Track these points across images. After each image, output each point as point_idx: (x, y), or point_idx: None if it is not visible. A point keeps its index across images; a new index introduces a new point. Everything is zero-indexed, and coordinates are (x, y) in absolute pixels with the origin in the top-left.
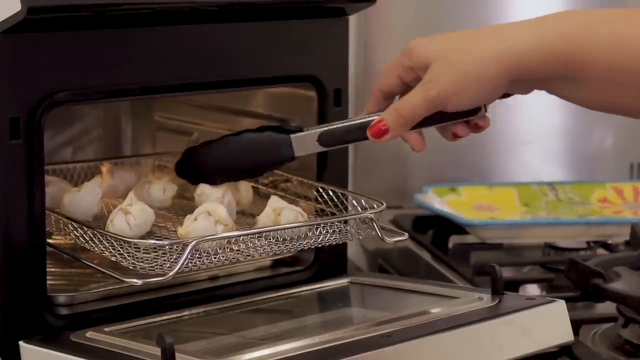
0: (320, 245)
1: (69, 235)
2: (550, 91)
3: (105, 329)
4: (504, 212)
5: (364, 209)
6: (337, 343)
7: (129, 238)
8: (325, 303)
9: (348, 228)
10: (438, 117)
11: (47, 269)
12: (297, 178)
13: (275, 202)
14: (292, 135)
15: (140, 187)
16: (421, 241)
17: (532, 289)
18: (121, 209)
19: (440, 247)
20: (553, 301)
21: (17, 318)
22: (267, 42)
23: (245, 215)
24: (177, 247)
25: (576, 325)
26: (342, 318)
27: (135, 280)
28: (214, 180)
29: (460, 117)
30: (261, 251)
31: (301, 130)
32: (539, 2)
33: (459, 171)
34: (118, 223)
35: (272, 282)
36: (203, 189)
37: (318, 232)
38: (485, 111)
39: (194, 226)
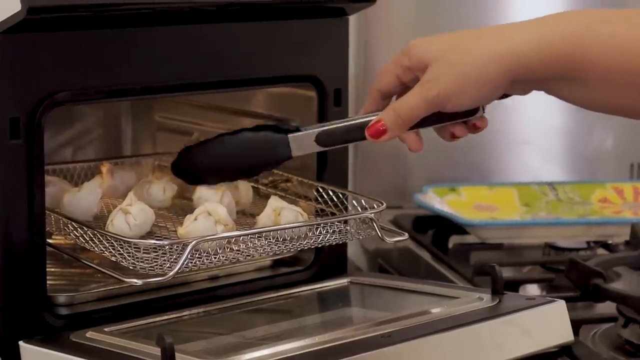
0: (320, 245)
1: (69, 235)
2: (550, 92)
3: (105, 329)
4: (504, 212)
5: (364, 209)
6: (337, 343)
7: (129, 238)
8: (325, 303)
9: (348, 228)
10: (436, 118)
11: (47, 269)
12: (297, 178)
13: (275, 202)
14: (289, 135)
15: (140, 187)
16: (421, 241)
17: (532, 289)
18: (121, 209)
19: (440, 247)
20: (553, 301)
21: (17, 318)
22: (267, 42)
23: (245, 215)
24: (177, 247)
25: (576, 325)
26: (342, 318)
27: (135, 280)
28: (210, 179)
29: (459, 118)
30: (261, 251)
31: (299, 130)
32: (539, 2)
33: (459, 171)
34: (118, 223)
35: (272, 282)
36: (201, 193)
37: (318, 232)
38: (484, 112)
39: (194, 226)
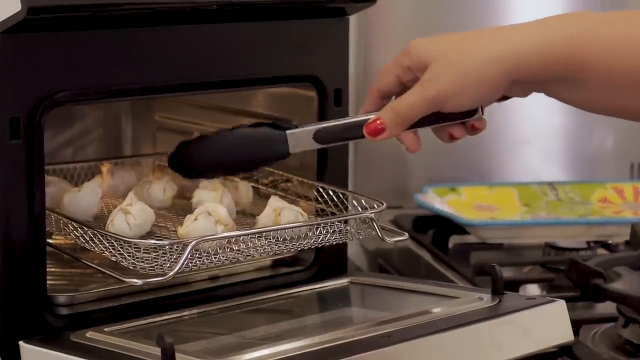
0: (320, 245)
1: (69, 235)
2: (550, 94)
3: (106, 329)
4: (504, 212)
5: (364, 208)
6: (337, 343)
7: (129, 238)
8: (326, 303)
9: (348, 228)
10: (435, 118)
11: (47, 269)
12: (297, 178)
13: (275, 202)
14: (287, 132)
15: (140, 187)
16: (421, 241)
17: (533, 289)
18: (121, 209)
19: (440, 247)
20: (553, 301)
21: (17, 318)
22: (268, 42)
23: (245, 215)
24: (177, 247)
25: (576, 325)
26: (342, 318)
27: (135, 280)
28: (207, 174)
29: (457, 118)
30: (261, 251)
31: (297, 128)
32: (539, 2)
33: (459, 171)
34: (118, 223)
35: (272, 282)
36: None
37: (318, 232)
38: (482, 114)
39: (194, 226)
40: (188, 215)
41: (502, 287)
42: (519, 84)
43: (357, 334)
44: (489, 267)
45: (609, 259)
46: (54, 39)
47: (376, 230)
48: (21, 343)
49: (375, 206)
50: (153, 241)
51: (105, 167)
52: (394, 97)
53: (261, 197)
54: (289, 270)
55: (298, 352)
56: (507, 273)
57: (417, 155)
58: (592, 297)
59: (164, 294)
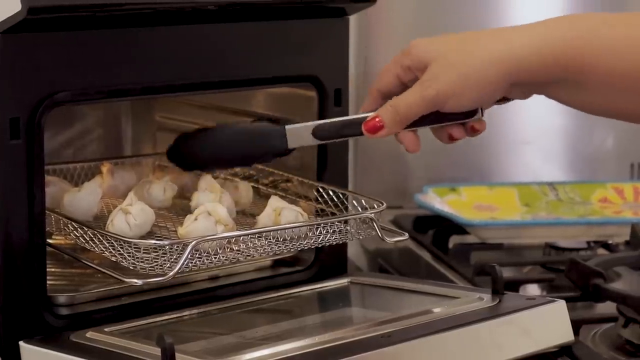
0: (320, 245)
1: (69, 235)
2: (550, 95)
3: (106, 329)
4: (505, 212)
5: (364, 209)
6: (337, 343)
7: (129, 238)
8: (326, 303)
9: (348, 228)
10: (434, 118)
11: (47, 269)
12: (297, 178)
13: (275, 202)
14: (286, 127)
15: (140, 187)
16: (421, 241)
17: (533, 289)
18: (121, 209)
19: (440, 247)
20: (553, 301)
21: (17, 318)
22: (268, 42)
23: (245, 215)
24: (177, 247)
25: (576, 325)
26: (342, 318)
27: (135, 280)
28: (205, 167)
29: (457, 119)
30: (261, 251)
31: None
32: (540, 2)
33: (459, 171)
34: (118, 223)
35: (272, 282)
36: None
37: (318, 232)
38: (482, 115)
39: (194, 226)
40: (188, 215)
41: (502, 287)
42: (519, 85)
43: (357, 334)
44: (489, 267)
45: (609, 259)
46: (54, 39)
47: (376, 230)
48: (21, 343)
49: (375, 206)
50: (153, 241)
51: (105, 167)
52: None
53: (261, 197)
54: (289, 270)
55: (298, 352)
56: (507, 273)
57: (417, 155)
58: (592, 297)
59: (164, 294)
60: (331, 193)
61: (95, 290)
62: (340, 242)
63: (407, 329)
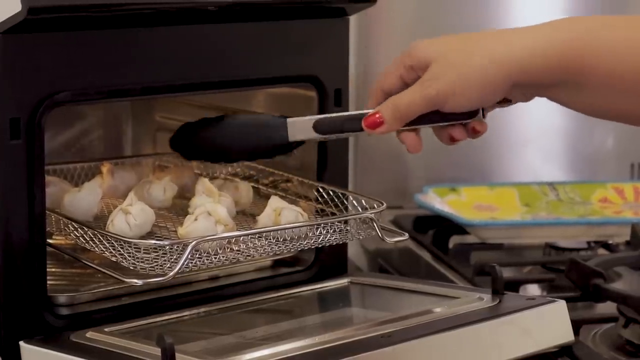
0: (320, 245)
1: (70, 235)
2: (551, 97)
3: (106, 329)
4: (505, 212)
5: (364, 209)
6: (337, 343)
7: (129, 238)
8: (326, 303)
9: (348, 228)
10: (435, 117)
11: (48, 269)
12: (297, 178)
13: (275, 202)
14: (288, 120)
15: (140, 187)
16: (421, 241)
17: (533, 289)
18: (121, 209)
19: (440, 247)
20: (553, 301)
21: (17, 318)
22: (268, 42)
23: (245, 215)
24: (178, 247)
25: (577, 325)
26: (342, 318)
27: (135, 281)
28: (207, 157)
29: (458, 119)
30: (261, 251)
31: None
32: (540, 3)
33: (459, 171)
34: (118, 223)
35: (272, 282)
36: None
37: (318, 232)
38: (484, 117)
39: (194, 226)
40: (188, 216)
41: (502, 287)
42: (519, 87)
43: (357, 334)
44: (489, 267)
45: (609, 259)
46: (54, 39)
47: (376, 231)
48: (21, 343)
49: (375, 206)
50: (153, 241)
51: (105, 167)
52: None
53: (261, 197)
54: (289, 270)
55: (298, 352)
56: (507, 273)
57: (417, 155)
58: (592, 297)
59: (164, 294)
60: (331, 193)
61: (96, 290)
62: (340, 242)
63: (407, 329)
